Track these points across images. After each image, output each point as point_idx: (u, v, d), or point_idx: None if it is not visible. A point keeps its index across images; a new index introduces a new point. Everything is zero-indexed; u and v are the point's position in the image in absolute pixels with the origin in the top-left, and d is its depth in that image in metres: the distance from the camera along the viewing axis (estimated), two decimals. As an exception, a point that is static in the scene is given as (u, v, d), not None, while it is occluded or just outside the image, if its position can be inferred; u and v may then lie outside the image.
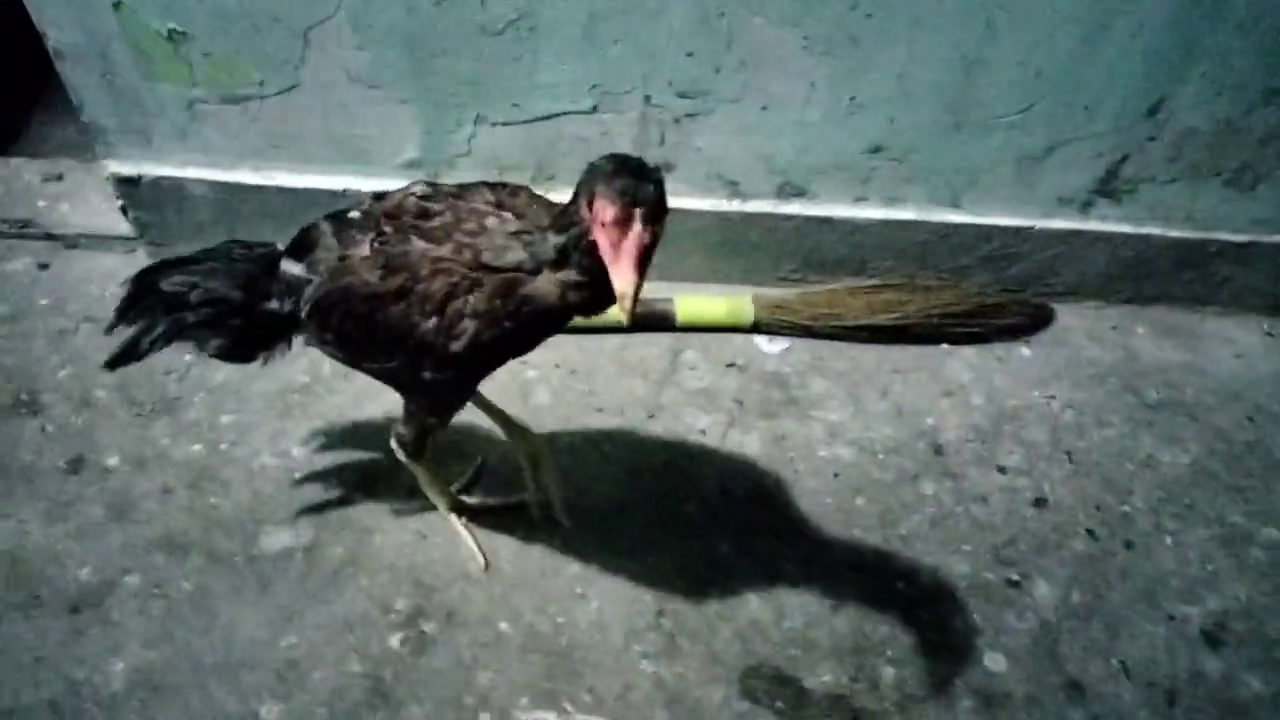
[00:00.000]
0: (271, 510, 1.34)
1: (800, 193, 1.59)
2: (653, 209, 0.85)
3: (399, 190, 1.03)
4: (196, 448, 1.41)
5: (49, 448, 1.39)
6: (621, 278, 0.84)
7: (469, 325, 0.95)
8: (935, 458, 1.49)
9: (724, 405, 1.54)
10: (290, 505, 1.35)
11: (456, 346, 0.97)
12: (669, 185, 1.60)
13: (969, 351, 1.66)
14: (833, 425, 1.53)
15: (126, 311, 1.12)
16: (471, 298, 0.95)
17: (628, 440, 1.49)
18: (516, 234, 0.96)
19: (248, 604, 1.23)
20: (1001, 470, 1.48)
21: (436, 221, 0.98)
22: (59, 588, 1.24)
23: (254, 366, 1.50)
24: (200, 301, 1.09)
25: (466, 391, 1.15)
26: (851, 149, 1.53)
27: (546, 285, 0.95)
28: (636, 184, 0.84)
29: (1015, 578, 1.34)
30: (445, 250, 0.96)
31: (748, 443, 1.49)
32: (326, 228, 1.03)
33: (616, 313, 1.59)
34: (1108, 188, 1.57)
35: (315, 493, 1.37)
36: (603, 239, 0.85)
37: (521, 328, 0.97)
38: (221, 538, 1.30)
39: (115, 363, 1.11)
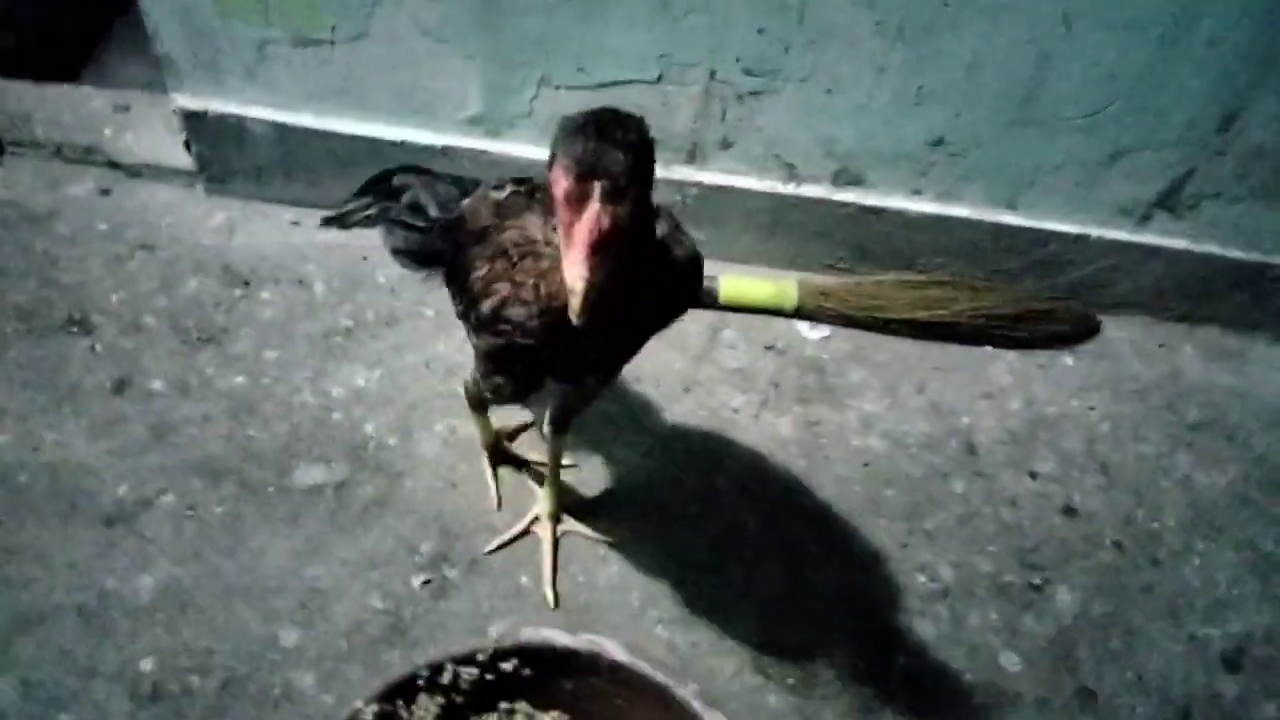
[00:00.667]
0: (307, 446, 1.36)
1: (857, 181, 1.59)
2: (617, 184, 0.68)
3: None
4: (239, 380, 1.43)
5: (97, 367, 1.43)
6: (570, 269, 0.69)
7: (500, 288, 0.89)
8: (968, 457, 1.48)
9: (760, 386, 1.54)
10: (326, 443, 1.37)
11: (485, 307, 0.91)
12: (725, 163, 1.62)
13: (1011, 356, 1.64)
14: (867, 416, 1.52)
15: (365, 188, 1.19)
16: (520, 263, 0.87)
17: (662, 413, 1.49)
18: None
19: (277, 533, 1.26)
20: (1033, 476, 1.47)
21: None
22: (96, 501, 1.27)
23: (301, 305, 1.55)
24: (407, 203, 1.14)
25: (510, 379, 1.03)
26: (914, 139, 1.51)
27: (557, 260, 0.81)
28: (597, 149, 0.68)
29: (1038, 582, 1.33)
30: (541, 219, 0.89)
31: (781, 425, 1.49)
32: (507, 175, 1.03)
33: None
34: (1170, 201, 1.54)
35: (351, 433, 1.39)
36: (560, 216, 0.70)
37: (545, 316, 0.85)
38: (256, 468, 1.33)
39: (328, 222, 1.20)
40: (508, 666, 0.70)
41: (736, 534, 1.34)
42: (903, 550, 1.35)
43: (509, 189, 0.98)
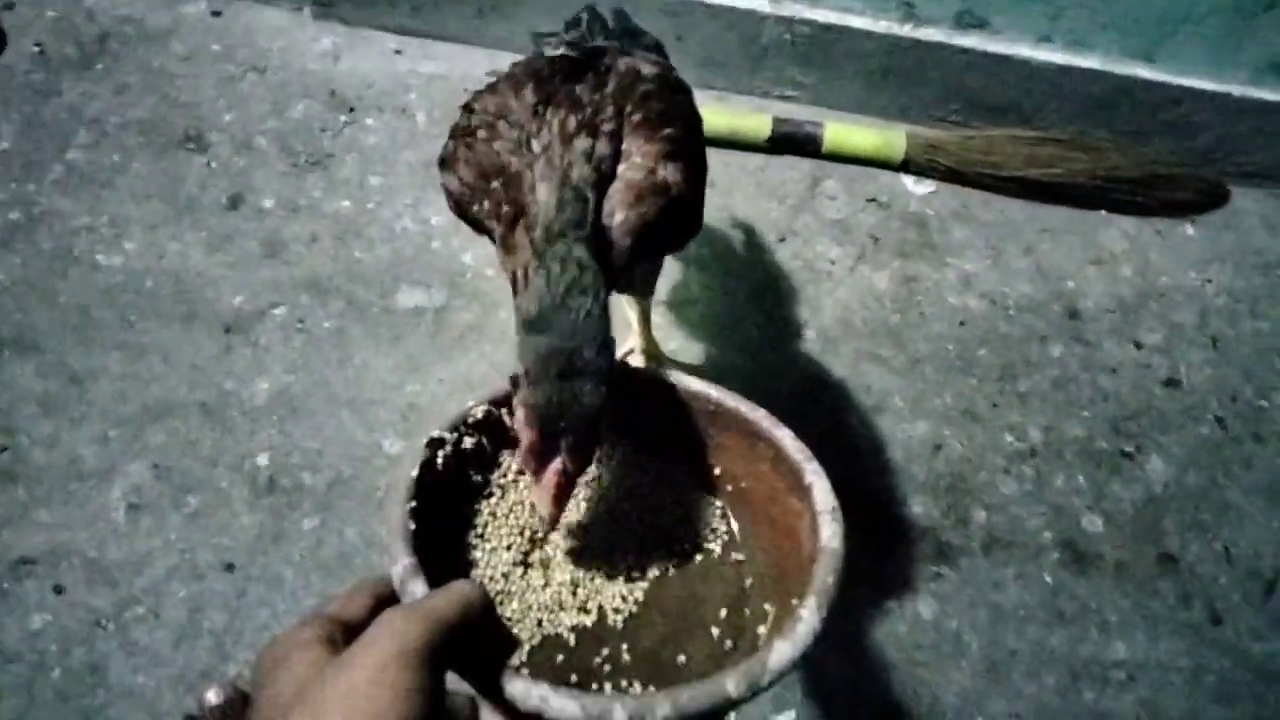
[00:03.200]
0: (408, 271, 1.40)
1: (981, 24, 1.49)
2: (583, 438, 0.64)
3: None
4: (345, 203, 1.47)
5: (212, 183, 1.48)
6: (538, 505, 0.67)
7: (449, 145, 0.85)
8: (1069, 322, 1.44)
9: (858, 239, 1.51)
10: (426, 269, 1.41)
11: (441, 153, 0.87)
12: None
13: (1128, 221, 1.56)
14: (968, 275, 1.48)
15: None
16: (475, 132, 0.82)
17: (756, 260, 1.48)
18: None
19: (380, 350, 1.32)
20: (1138, 345, 1.42)
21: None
22: (215, 309, 1.34)
23: (404, 133, 1.56)
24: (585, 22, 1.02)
25: None
26: (1046, -21, 1.41)
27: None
28: (561, 399, 0.63)
29: (1130, 450, 1.31)
30: (538, 95, 0.82)
31: (877, 279, 1.47)
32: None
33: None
34: (1328, 58, 1.42)
35: (449, 261, 1.42)
36: (523, 451, 0.66)
37: (459, 210, 0.85)
38: (361, 288, 1.38)
39: (534, 37, 1.02)
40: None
41: (821, 382, 1.35)
42: (992, 410, 1.34)
43: (562, 50, 0.87)
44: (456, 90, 1.63)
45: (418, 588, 0.57)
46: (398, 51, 1.68)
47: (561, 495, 0.65)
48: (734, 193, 1.55)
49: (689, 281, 1.44)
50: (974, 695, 1.11)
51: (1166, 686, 1.13)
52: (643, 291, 1.15)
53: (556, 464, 0.64)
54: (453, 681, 0.52)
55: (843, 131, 1.58)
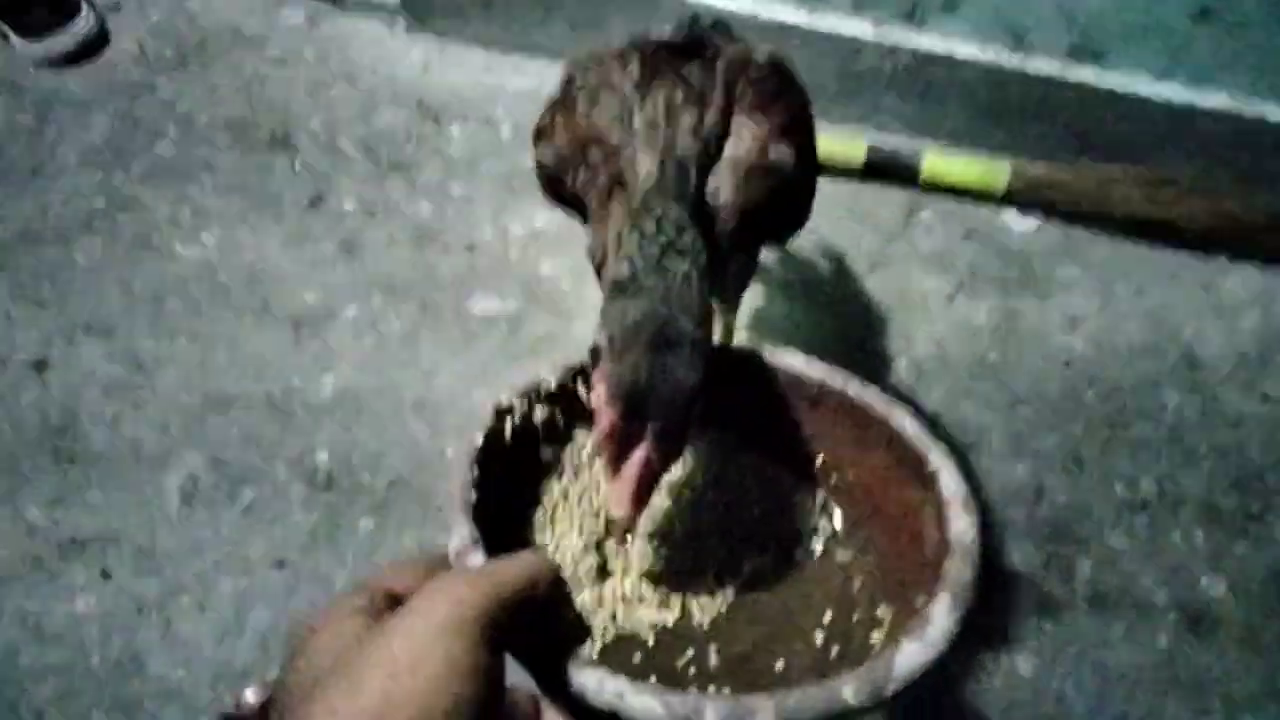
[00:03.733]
0: (484, 278, 1.36)
1: (1096, 56, 1.42)
2: (673, 422, 0.55)
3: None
4: (425, 208, 1.44)
5: (295, 183, 1.46)
6: (614, 502, 0.57)
7: (545, 116, 0.83)
8: (1187, 370, 1.33)
9: (956, 271, 1.43)
10: (502, 277, 1.36)
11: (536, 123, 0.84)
12: (947, 27, 1.48)
13: (1249, 269, 1.45)
14: (1074, 314, 1.39)
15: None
16: (575, 100, 0.78)
17: (846, 288, 1.41)
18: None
19: (451, 355, 1.27)
20: (1264, 398, 1.30)
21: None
22: (287, 304, 1.31)
23: (488, 144, 1.54)
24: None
25: None
26: (1173, 9, 1.33)
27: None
28: (650, 374, 0.54)
29: (1256, 510, 1.19)
30: (638, 83, 0.75)
31: (975, 313, 1.38)
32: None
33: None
34: None
35: (526, 271, 1.38)
36: (599, 438, 0.57)
37: (544, 173, 0.83)
38: (435, 292, 1.34)
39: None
40: None
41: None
42: (1101, 456, 1.23)
43: (669, 32, 0.83)
44: (543, 105, 1.61)
45: (477, 562, 0.51)
46: (487, 65, 1.67)
47: (641, 493, 0.56)
48: (823, 218, 1.48)
49: (774, 304, 1.37)
50: (1080, 768, 0.99)
51: (1303, 777, 1.00)
52: (732, 298, 1.09)
53: (639, 453, 0.55)
54: (512, 673, 0.45)
55: (942, 162, 1.51)
